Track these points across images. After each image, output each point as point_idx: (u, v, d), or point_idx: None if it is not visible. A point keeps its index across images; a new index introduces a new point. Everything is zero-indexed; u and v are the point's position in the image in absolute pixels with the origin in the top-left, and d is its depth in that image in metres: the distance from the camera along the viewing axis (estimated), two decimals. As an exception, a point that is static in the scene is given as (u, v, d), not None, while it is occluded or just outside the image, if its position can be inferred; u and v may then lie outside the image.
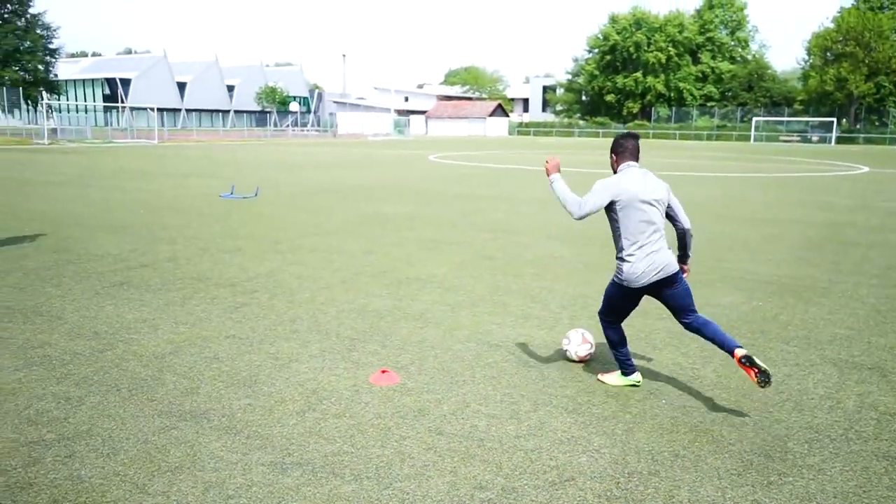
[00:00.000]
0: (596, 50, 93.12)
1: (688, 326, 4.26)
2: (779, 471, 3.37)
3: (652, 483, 3.24)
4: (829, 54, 74.33)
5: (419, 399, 4.15)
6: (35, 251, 8.38)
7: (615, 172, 4.30)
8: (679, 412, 4.03)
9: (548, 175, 4.39)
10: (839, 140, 70.04)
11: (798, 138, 73.08)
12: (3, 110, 61.53)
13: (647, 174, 4.23)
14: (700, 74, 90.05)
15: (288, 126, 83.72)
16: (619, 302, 4.36)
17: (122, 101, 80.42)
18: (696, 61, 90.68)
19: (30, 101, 64.09)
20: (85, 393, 4.14)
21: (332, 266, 7.80)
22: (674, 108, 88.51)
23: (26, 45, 70.00)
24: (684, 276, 4.36)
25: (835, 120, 71.25)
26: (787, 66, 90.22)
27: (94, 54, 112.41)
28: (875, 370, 4.77)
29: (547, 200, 14.63)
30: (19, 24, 70.94)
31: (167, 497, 3.04)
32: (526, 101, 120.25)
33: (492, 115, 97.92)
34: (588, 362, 4.84)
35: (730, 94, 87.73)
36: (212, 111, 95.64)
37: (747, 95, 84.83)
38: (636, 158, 4.27)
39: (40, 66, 71.35)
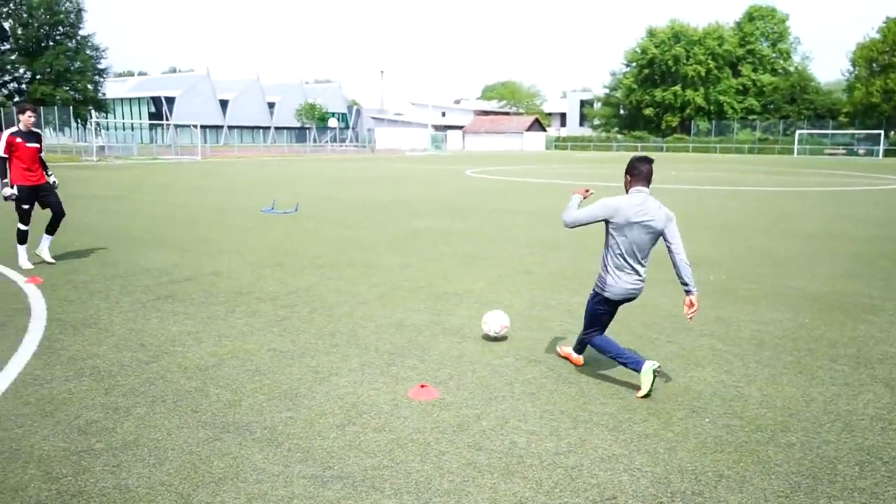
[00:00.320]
0: (634, 63, 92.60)
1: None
2: (828, 494, 3.28)
3: None
4: (874, 65, 72.69)
5: (458, 414, 4.15)
6: (84, 265, 8.62)
7: (627, 192, 4.64)
8: (723, 431, 3.95)
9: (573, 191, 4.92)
10: (887, 153, 68.23)
11: (844, 151, 71.46)
12: (55, 129, 63.60)
13: (649, 200, 4.53)
14: (741, 87, 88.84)
15: (327, 142, 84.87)
16: (599, 311, 4.74)
17: (167, 119, 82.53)
18: (736, 74, 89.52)
19: (79, 120, 66.16)
20: (132, 403, 4.24)
21: (371, 281, 7.86)
22: (714, 122, 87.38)
23: (77, 66, 72.43)
24: (692, 310, 4.55)
25: (882, 132, 69.49)
26: (831, 78, 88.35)
27: (140, 74, 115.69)
28: (928, 390, 4.62)
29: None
30: (70, 45, 73.50)
31: (211, 508, 3.08)
32: (563, 115, 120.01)
33: (529, 129, 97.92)
34: (505, 338, 5.50)
35: (772, 106, 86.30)
36: (253, 128, 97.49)
37: (790, 108, 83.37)
38: (648, 183, 4.58)
39: (90, 86, 73.71)
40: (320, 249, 9.94)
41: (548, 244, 10.54)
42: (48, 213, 8.62)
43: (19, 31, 72.29)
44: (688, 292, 4.55)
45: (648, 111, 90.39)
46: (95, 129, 58.72)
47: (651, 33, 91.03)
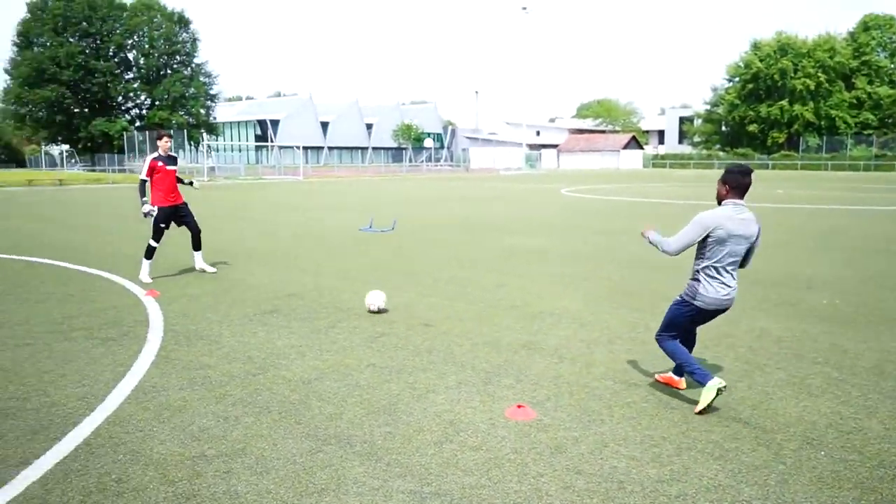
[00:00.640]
0: (737, 78, 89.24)
1: (690, 338, 4.90)
2: (962, 538, 3.02)
3: (811, 541, 3.00)
4: None
5: (556, 436, 4.10)
6: (197, 279, 9.12)
7: (720, 202, 4.59)
8: (841, 466, 3.72)
9: (642, 233, 4.90)
10: None
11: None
12: (172, 151, 67.93)
13: (746, 212, 4.50)
14: (855, 101, 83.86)
15: (422, 161, 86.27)
16: (683, 319, 4.66)
17: (272, 141, 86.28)
18: (849, 87, 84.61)
19: (192, 142, 70.25)
20: (240, 413, 4.43)
21: (467, 299, 7.91)
22: (824, 137, 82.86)
23: (191, 92, 77.15)
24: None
25: None
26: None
27: (248, 98, 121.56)
28: None
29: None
30: (185, 73, 78.37)
31: (314, 517, 3.17)
32: (661, 132, 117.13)
33: (625, 147, 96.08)
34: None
35: (890, 120, 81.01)
36: (351, 148, 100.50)
37: (911, 122, 77.99)
38: (744, 195, 4.52)
39: (202, 111, 78.30)
40: (416, 267, 10.09)
41: (648, 264, 10.28)
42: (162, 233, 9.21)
43: (141, 61, 77.78)
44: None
45: (752, 127, 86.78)
46: (206, 150, 62.24)
47: (756, 47, 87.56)
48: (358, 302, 7.68)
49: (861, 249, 11.93)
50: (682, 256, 4.72)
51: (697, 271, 4.58)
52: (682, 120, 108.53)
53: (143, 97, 78.42)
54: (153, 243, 9.07)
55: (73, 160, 77.31)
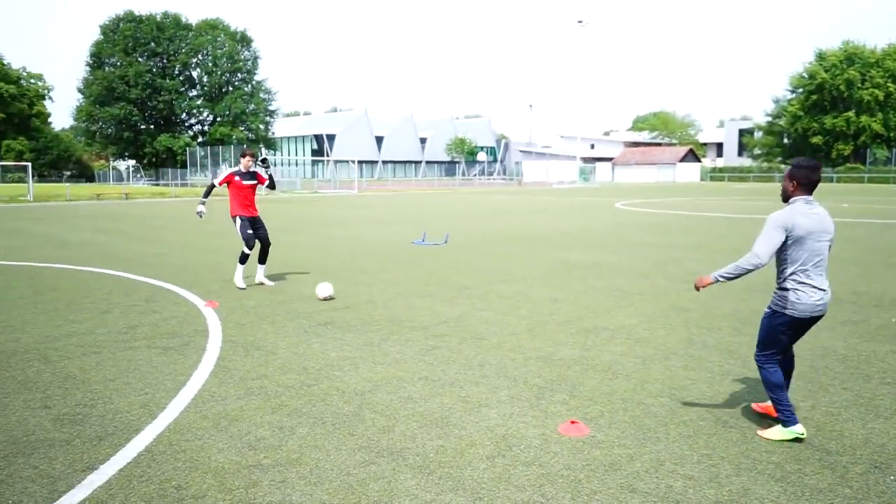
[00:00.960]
0: (801, 89, 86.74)
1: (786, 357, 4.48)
2: None
3: (880, 570, 2.87)
4: None
5: (610, 453, 4.04)
6: (255, 291, 9.32)
7: (786, 199, 4.30)
8: (911, 492, 3.55)
9: (704, 283, 4.38)
10: None
11: None
12: (230, 165, 69.84)
13: (817, 206, 4.20)
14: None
15: (475, 175, 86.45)
16: (778, 332, 4.29)
17: (328, 155, 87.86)
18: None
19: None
20: (295, 423, 4.51)
21: (519, 313, 7.88)
22: (894, 150, 79.70)
23: (251, 108, 79.30)
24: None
25: None
26: None
27: (305, 113, 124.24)
28: None
29: (744, 250, 13.73)
30: (246, 90, 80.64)
31: (367, 529, 3.20)
32: (720, 145, 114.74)
33: (682, 160, 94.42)
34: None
35: (965, 131, 77.48)
36: (405, 162, 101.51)
37: None
38: (812, 192, 4.25)
39: (261, 126, 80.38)
40: (470, 280, 10.10)
41: (704, 280, 10.04)
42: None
43: (205, 79, 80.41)
44: None
45: (816, 139, 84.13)
46: (265, 168, 63.77)
47: (821, 57, 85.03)
48: (412, 315, 7.73)
49: (934, 266, 11.40)
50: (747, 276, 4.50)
51: (783, 279, 4.24)
52: (741, 132, 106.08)
53: (205, 113, 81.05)
54: (246, 250, 9.60)
55: (138, 175, 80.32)
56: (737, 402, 4.89)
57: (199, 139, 79.41)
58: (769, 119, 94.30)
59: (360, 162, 77.20)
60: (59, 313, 7.91)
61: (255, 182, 9.79)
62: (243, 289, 9.33)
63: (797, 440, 4.16)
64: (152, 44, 75.95)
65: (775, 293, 4.30)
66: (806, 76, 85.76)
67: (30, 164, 46.12)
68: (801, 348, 6.23)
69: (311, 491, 3.58)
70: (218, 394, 5.10)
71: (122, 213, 27.10)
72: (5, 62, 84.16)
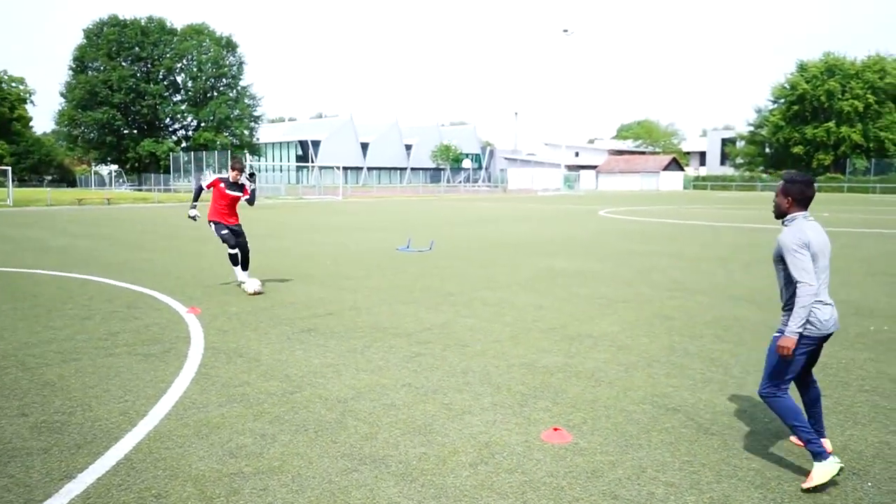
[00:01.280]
0: (782, 100, 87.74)
1: (809, 386, 4.22)
2: None
3: (858, 576, 2.90)
4: None
5: (592, 460, 4.05)
6: (237, 297, 9.27)
7: (780, 216, 4.04)
8: (888, 498, 3.59)
9: (793, 344, 3.84)
10: None
11: None
12: (214, 171, 69.55)
13: (814, 221, 4.04)
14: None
15: (460, 182, 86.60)
16: (796, 356, 3.87)
17: (312, 161, 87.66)
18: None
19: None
20: (277, 431, 4.48)
21: (503, 320, 7.89)
22: (873, 160, 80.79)
23: (236, 114, 79.00)
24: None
25: None
26: None
27: (290, 119, 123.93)
28: None
29: (728, 258, 13.87)
30: (231, 95, 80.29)
31: (348, 537, 3.18)
32: (703, 154, 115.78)
33: (665, 168, 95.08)
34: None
35: (943, 142, 78.66)
36: (390, 168, 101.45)
37: (966, 143, 75.56)
38: (808, 207, 4.04)
39: (246, 132, 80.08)
40: (454, 287, 10.10)
41: (688, 288, 10.12)
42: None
43: (189, 84, 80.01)
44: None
45: (797, 149, 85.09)
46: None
47: (802, 68, 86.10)
48: (396, 321, 7.72)
49: (912, 274, 11.55)
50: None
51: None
52: (724, 141, 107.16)
53: (189, 119, 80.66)
54: (231, 251, 9.82)
55: (120, 180, 79.69)
56: (718, 410, 4.92)
57: (183, 144, 78.97)
58: (751, 129, 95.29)
59: (345, 168, 77.10)
60: (39, 319, 7.82)
61: (239, 194, 9.90)
62: (255, 289, 9.42)
63: (841, 472, 3.82)
64: (136, 48, 75.51)
65: (786, 314, 3.97)
66: (787, 87, 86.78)
67: (10, 168, 45.58)
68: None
69: (292, 499, 3.55)
70: (199, 401, 5.06)
71: (104, 219, 26.86)
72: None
